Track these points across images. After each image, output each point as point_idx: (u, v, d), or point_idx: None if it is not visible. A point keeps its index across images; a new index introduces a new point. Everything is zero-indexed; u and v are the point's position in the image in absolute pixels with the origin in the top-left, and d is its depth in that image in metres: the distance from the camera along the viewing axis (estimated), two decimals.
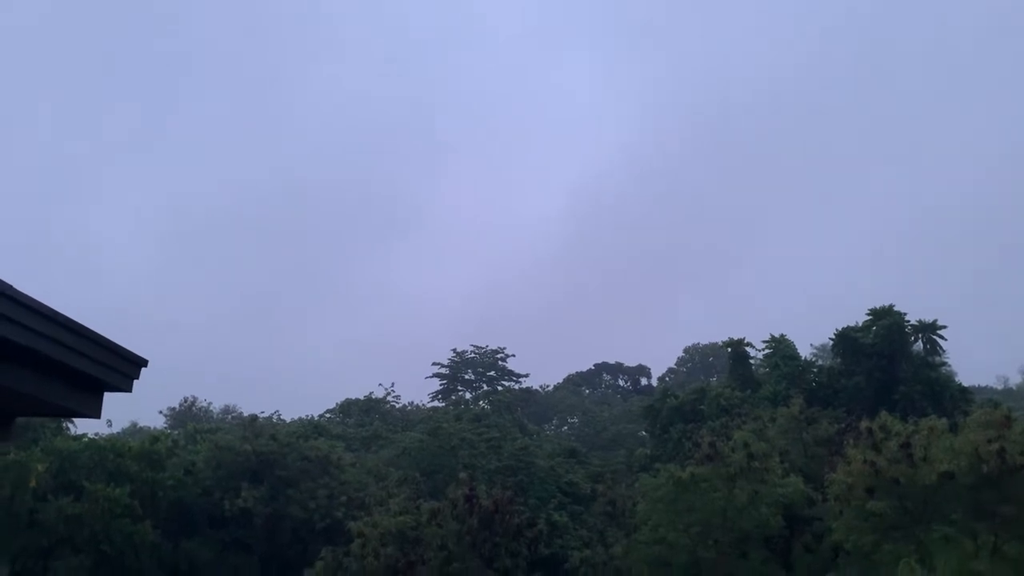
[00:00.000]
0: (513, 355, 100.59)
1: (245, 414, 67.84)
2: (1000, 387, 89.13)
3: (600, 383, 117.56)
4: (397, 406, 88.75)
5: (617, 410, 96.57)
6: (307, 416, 74.62)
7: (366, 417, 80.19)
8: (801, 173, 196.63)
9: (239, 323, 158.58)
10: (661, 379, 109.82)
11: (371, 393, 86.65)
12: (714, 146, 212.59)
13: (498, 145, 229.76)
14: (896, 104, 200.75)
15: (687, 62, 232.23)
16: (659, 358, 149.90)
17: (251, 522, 47.88)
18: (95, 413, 6.67)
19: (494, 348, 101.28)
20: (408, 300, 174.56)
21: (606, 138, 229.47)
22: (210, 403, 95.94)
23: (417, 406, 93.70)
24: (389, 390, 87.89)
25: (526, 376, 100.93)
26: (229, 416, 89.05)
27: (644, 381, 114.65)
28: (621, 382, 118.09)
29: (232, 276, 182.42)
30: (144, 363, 6.71)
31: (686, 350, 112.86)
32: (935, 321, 57.29)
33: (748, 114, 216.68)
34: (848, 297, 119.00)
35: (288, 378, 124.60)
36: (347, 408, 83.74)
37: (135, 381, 6.89)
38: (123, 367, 6.52)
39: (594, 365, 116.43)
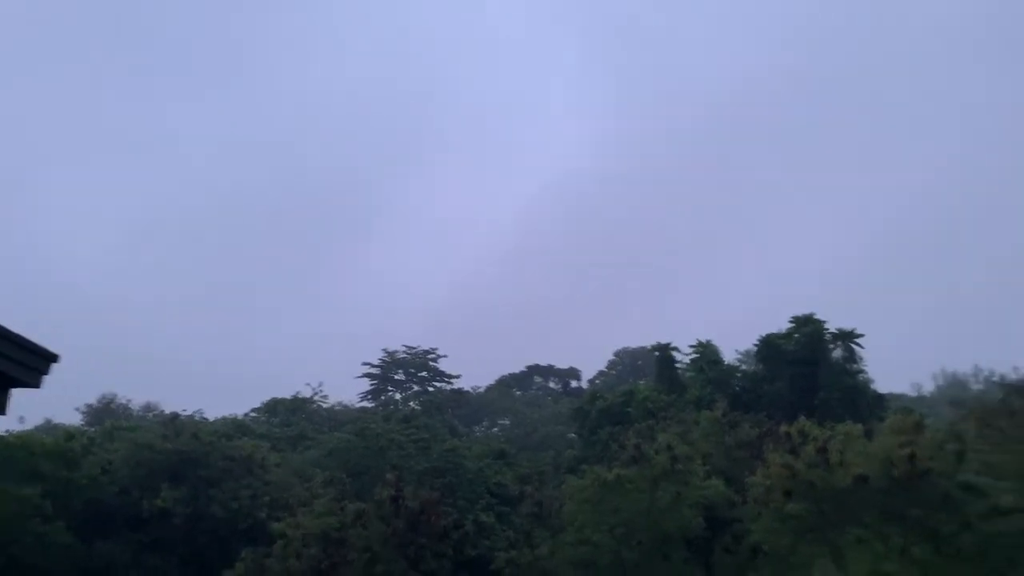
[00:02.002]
0: (445, 356, 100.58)
1: (166, 412, 66.00)
2: (914, 394, 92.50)
3: (531, 385, 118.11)
4: (325, 406, 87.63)
5: (547, 412, 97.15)
6: (231, 415, 73.10)
7: (292, 417, 78.91)
8: (750, 185, 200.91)
9: (171, 319, 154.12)
10: (591, 382, 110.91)
11: (298, 393, 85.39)
12: (677, 154, 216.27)
13: (465, 143, 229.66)
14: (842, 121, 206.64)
15: (659, 70, 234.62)
16: (590, 361, 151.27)
17: (170, 522, 46.64)
18: (0, 410, 6.45)
19: (426, 348, 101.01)
20: (355, 299, 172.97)
21: (570, 141, 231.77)
22: (130, 400, 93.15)
23: (345, 406, 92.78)
24: (317, 390, 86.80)
25: (457, 377, 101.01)
26: (150, 414, 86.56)
27: (574, 383, 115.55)
28: (552, 384, 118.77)
29: (172, 272, 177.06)
30: (55, 358, 6.50)
31: (616, 353, 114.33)
32: (854, 329, 59.22)
33: (713, 122, 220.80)
34: (777, 306, 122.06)
35: (216, 376, 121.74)
36: (273, 407, 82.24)
37: (45, 377, 6.67)
38: (32, 362, 6.32)
39: (526, 367, 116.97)
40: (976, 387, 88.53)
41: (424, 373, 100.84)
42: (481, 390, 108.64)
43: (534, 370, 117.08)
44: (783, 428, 38.23)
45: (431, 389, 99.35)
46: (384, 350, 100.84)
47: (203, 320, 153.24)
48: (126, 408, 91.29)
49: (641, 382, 73.20)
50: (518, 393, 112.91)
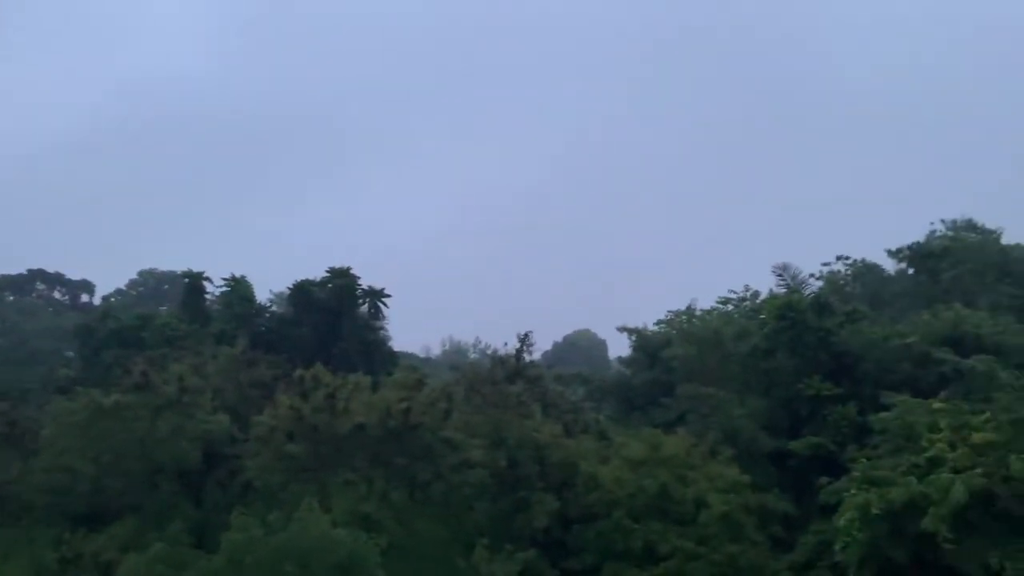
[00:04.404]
0: None
1: None
2: (423, 355, 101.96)
3: (31, 291, 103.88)
4: None
5: (45, 324, 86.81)
6: None
7: None
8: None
9: None
10: (106, 299, 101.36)
11: None
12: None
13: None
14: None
15: None
16: (110, 277, 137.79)
17: None
18: None
19: None
20: None
21: (179, 36, 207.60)
22: None
23: None
24: None
25: None
26: None
27: (85, 298, 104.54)
28: (58, 295, 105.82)
29: None
30: None
31: (140, 273, 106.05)
32: (383, 289, 63.07)
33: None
34: (341, 257, 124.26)
35: None
36: None
37: None
38: None
39: (28, 270, 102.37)
40: (473, 356, 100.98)
41: None
42: None
43: (37, 275, 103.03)
44: (299, 372, 39.23)
45: None
46: None
47: None
48: None
49: (164, 308, 69.28)
50: (11, 298, 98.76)
